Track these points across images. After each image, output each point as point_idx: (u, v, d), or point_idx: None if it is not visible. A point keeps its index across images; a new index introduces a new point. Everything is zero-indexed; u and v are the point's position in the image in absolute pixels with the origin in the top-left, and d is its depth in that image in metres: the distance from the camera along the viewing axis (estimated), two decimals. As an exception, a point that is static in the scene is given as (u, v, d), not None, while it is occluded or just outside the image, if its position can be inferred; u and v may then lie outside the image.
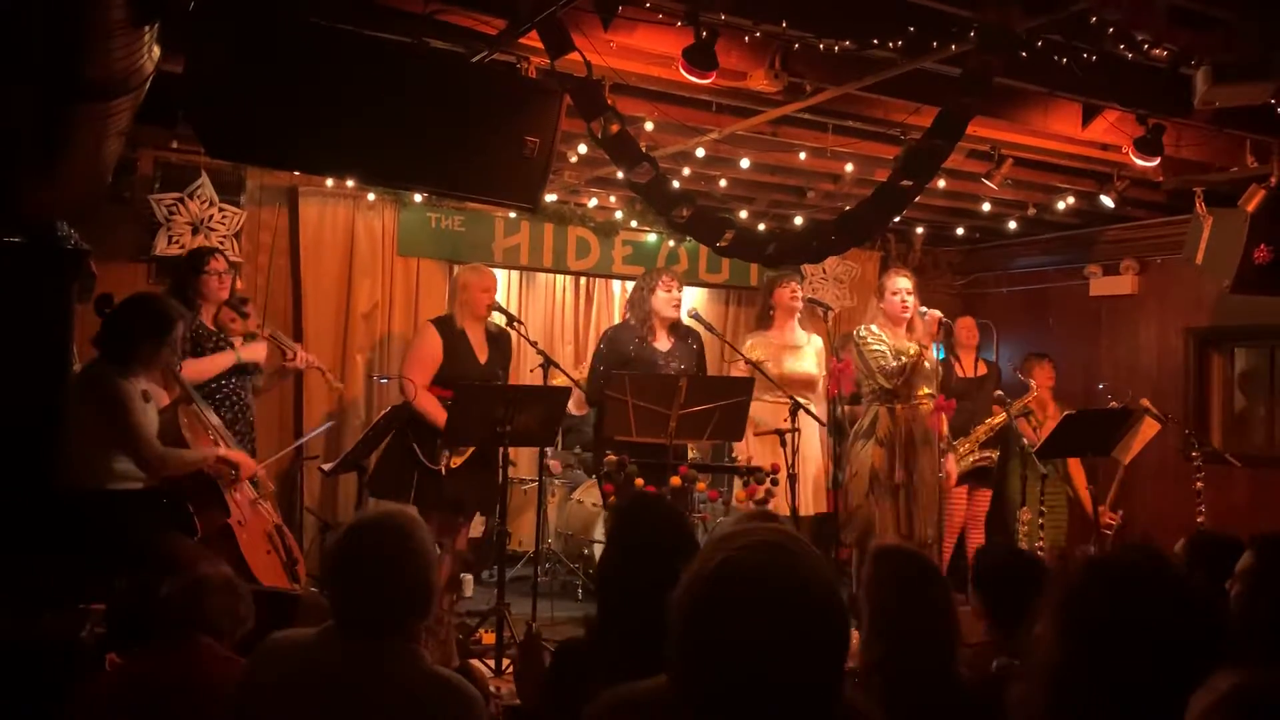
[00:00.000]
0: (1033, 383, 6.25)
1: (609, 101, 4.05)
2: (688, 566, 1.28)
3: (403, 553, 2.06)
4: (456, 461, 4.88)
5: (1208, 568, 2.77)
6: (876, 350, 5.21)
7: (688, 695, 1.26)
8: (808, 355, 5.64)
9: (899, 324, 5.30)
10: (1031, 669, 1.50)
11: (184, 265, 5.00)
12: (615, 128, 3.88)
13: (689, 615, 1.26)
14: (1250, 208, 5.34)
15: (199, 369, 4.67)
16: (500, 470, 4.72)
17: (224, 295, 4.93)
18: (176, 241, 5.79)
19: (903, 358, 5.17)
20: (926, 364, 5.30)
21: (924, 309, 5.32)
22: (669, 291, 5.36)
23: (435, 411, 4.77)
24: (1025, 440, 5.94)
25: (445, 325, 5.06)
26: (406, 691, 2.01)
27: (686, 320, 5.47)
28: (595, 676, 2.14)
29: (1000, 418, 5.98)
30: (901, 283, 5.34)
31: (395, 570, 2.03)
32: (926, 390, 5.31)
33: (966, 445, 6.11)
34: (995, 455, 6.18)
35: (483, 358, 5.09)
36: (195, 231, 5.85)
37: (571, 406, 5.77)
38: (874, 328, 5.28)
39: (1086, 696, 1.40)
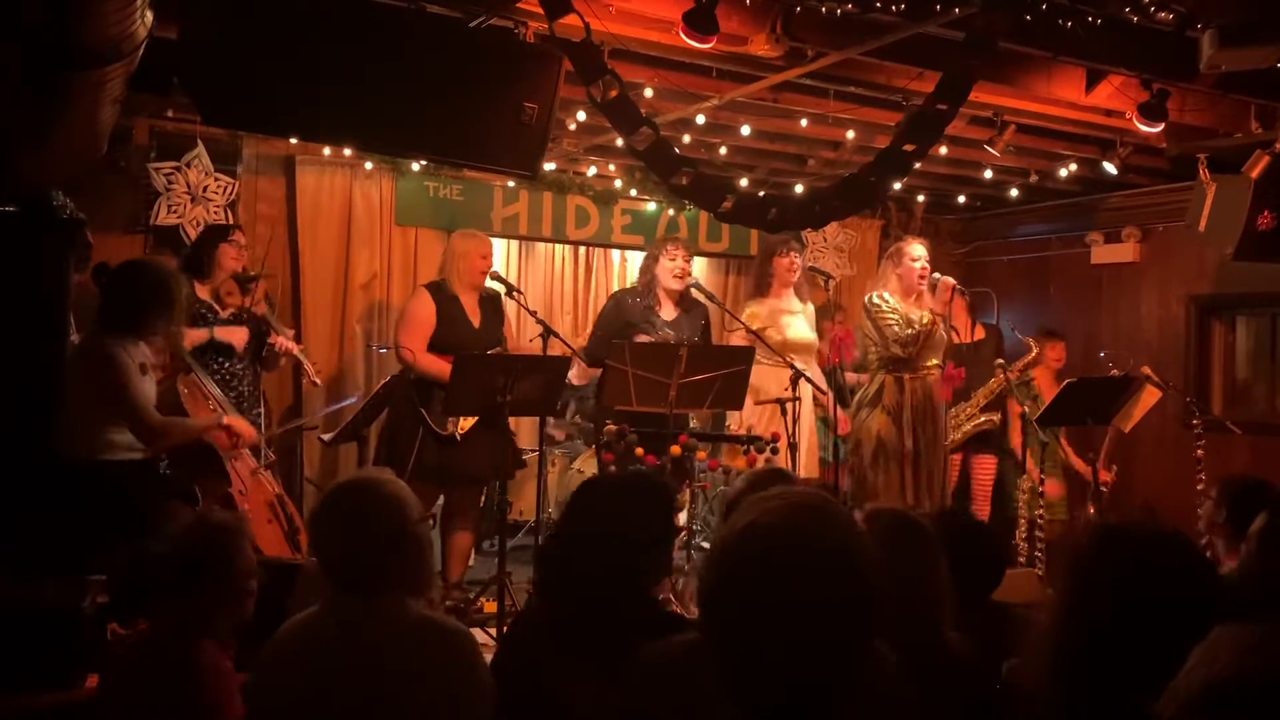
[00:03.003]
0: (1032, 343, 6.22)
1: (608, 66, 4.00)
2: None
3: (376, 508, 2.09)
4: (465, 426, 4.87)
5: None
6: (890, 318, 5.17)
7: (719, 648, 1.29)
8: (804, 320, 5.63)
9: (912, 292, 5.26)
10: (1035, 637, 1.49)
11: (205, 232, 4.99)
12: (614, 92, 3.84)
13: (719, 571, 1.30)
14: (1254, 174, 5.29)
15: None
16: (509, 435, 4.72)
17: (238, 268, 4.90)
18: (175, 211, 5.76)
19: (915, 325, 5.13)
20: (940, 334, 5.27)
21: (936, 275, 5.29)
22: (672, 260, 5.31)
23: (440, 369, 4.72)
24: (1025, 408, 5.92)
25: (438, 290, 5.04)
26: (396, 643, 2.04)
27: (693, 293, 5.43)
28: (549, 650, 2.14)
29: (998, 380, 5.95)
30: (920, 250, 5.31)
31: (370, 525, 2.07)
32: (934, 361, 5.29)
33: (967, 410, 6.10)
34: (996, 418, 6.16)
35: (476, 322, 5.07)
36: (194, 201, 5.81)
37: (573, 377, 5.77)
38: (886, 295, 5.24)
39: (1090, 663, 1.39)
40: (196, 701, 2.26)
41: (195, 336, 4.67)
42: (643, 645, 1.69)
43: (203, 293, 4.79)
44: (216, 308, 4.81)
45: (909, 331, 5.11)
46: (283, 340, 5.03)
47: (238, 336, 4.78)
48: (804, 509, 1.31)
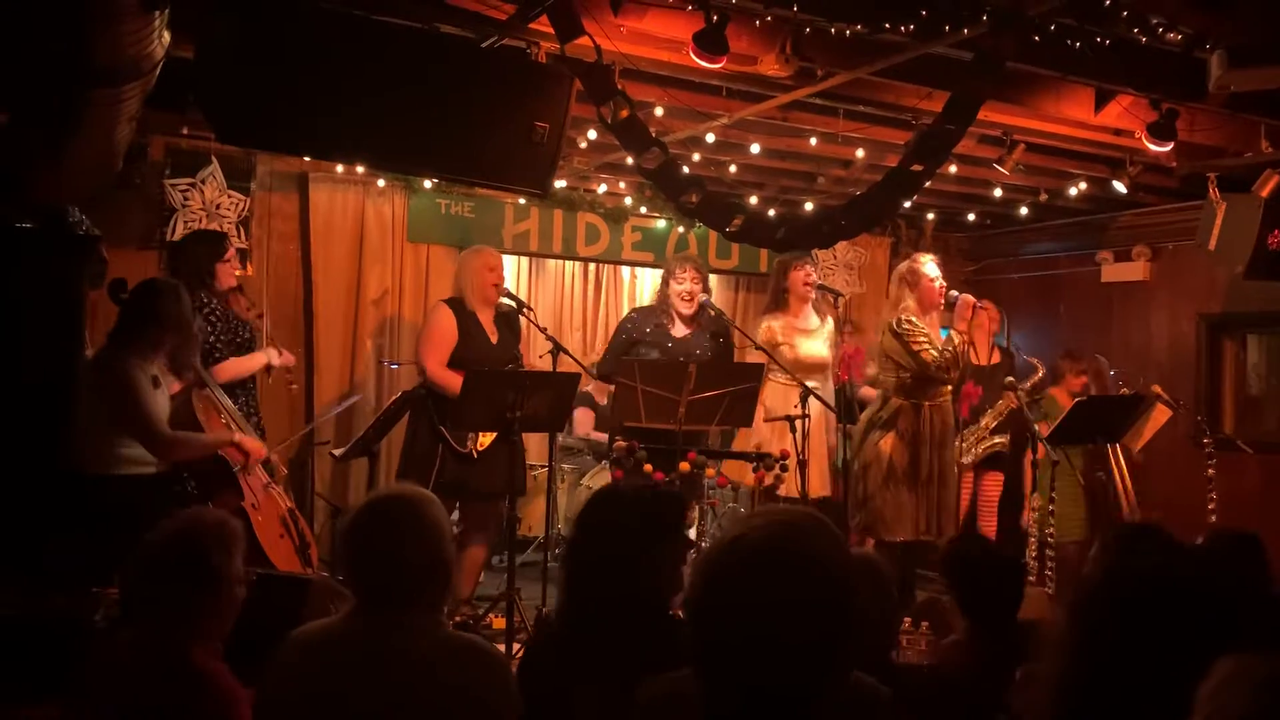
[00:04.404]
0: (1038, 364, 6.20)
1: (619, 86, 4.03)
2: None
3: (413, 525, 2.10)
4: (484, 442, 4.89)
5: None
6: (924, 341, 5.08)
7: (699, 657, 1.35)
8: (821, 339, 5.62)
9: (931, 310, 5.22)
10: (1041, 673, 1.48)
11: (200, 250, 4.88)
12: (625, 112, 3.87)
13: (704, 581, 1.36)
14: (1264, 193, 5.31)
15: (236, 370, 4.69)
16: (521, 451, 4.78)
17: (233, 283, 4.91)
18: (191, 227, 5.82)
19: (950, 348, 5.08)
20: (964, 355, 5.23)
21: (954, 293, 5.23)
22: (680, 283, 5.30)
23: (454, 384, 4.71)
24: (1036, 426, 5.88)
25: (457, 306, 5.07)
26: (428, 658, 2.05)
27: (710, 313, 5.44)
28: (568, 671, 2.14)
29: (1008, 401, 5.93)
30: (934, 268, 5.24)
31: (406, 542, 2.08)
32: (948, 386, 5.27)
33: (977, 434, 6.07)
34: (1006, 440, 6.13)
35: (494, 339, 5.10)
36: (209, 218, 5.88)
37: (594, 390, 5.77)
38: (914, 319, 5.14)
39: (1099, 705, 1.37)
40: (192, 706, 2.24)
41: (254, 363, 4.79)
42: (641, 683, 1.71)
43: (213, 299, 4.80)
44: (246, 320, 4.87)
45: (947, 354, 5.05)
46: (287, 354, 5.11)
47: (290, 360, 5.01)
48: (788, 524, 1.37)
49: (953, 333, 5.14)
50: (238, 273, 5.22)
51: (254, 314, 5.02)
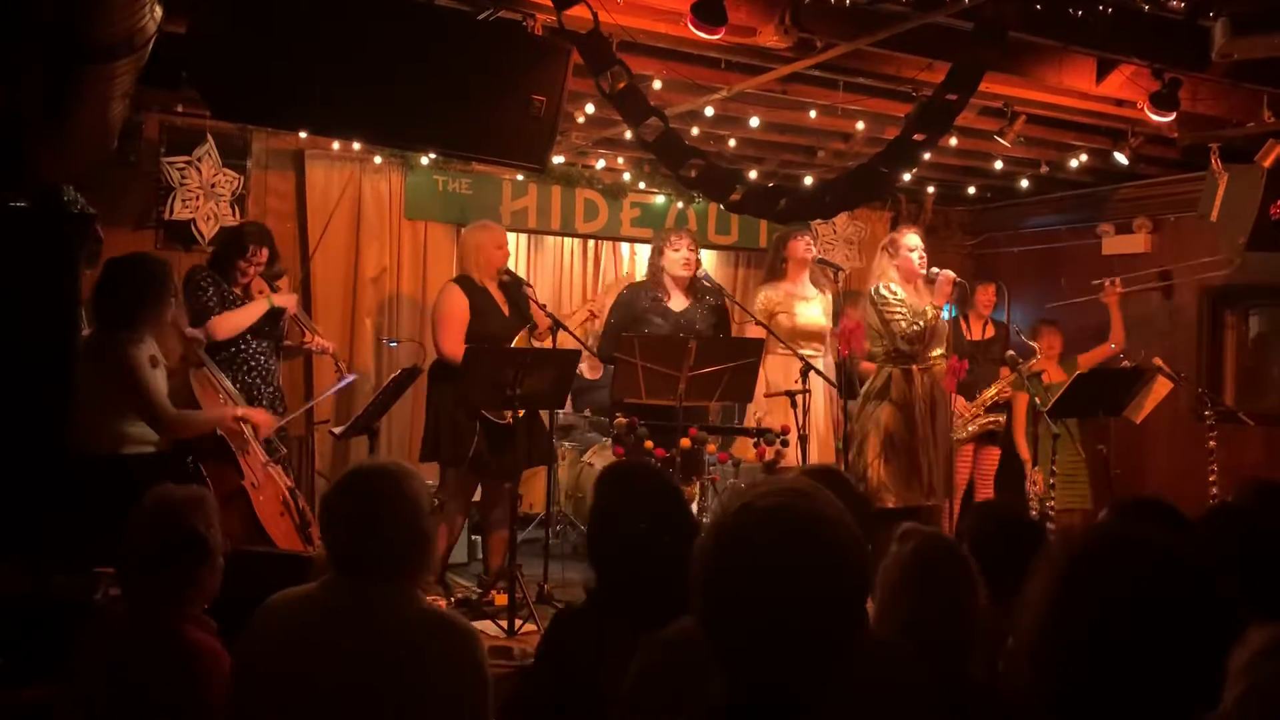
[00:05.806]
0: (1037, 347, 6.22)
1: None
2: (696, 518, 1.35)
3: (392, 497, 2.11)
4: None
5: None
6: (899, 312, 5.15)
7: (707, 623, 1.35)
8: (818, 306, 5.63)
9: (913, 281, 5.26)
10: (1019, 643, 1.45)
11: (232, 242, 4.95)
12: (623, 83, 3.83)
13: (710, 549, 1.35)
14: (1267, 164, 5.26)
15: (235, 322, 4.71)
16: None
17: (247, 282, 4.93)
18: (188, 206, 5.80)
19: (921, 321, 5.11)
20: (943, 326, 5.26)
21: (935, 269, 5.28)
22: (677, 251, 5.30)
23: None
24: (1037, 400, 5.89)
25: (467, 283, 5.06)
26: (401, 629, 2.08)
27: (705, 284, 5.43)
28: (593, 637, 2.22)
29: (1006, 379, 5.94)
30: (915, 240, 5.32)
31: (384, 513, 2.10)
32: (939, 351, 5.29)
33: (972, 410, 6.08)
34: (1003, 419, 6.16)
35: (506, 311, 5.11)
36: (206, 196, 5.85)
37: (585, 370, 5.76)
38: (893, 286, 5.21)
39: (1083, 678, 1.33)
40: (187, 681, 2.27)
41: (255, 310, 4.77)
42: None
43: (238, 289, 4.87)
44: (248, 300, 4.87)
45: (915, 327, 5.10)
46: (319, 340, 5.11)
47: (290, 302, 4.95)
48: (794, 491, 1.38)
49: (930, 306, 5.18)
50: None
51: (277, 300, 4.98)
